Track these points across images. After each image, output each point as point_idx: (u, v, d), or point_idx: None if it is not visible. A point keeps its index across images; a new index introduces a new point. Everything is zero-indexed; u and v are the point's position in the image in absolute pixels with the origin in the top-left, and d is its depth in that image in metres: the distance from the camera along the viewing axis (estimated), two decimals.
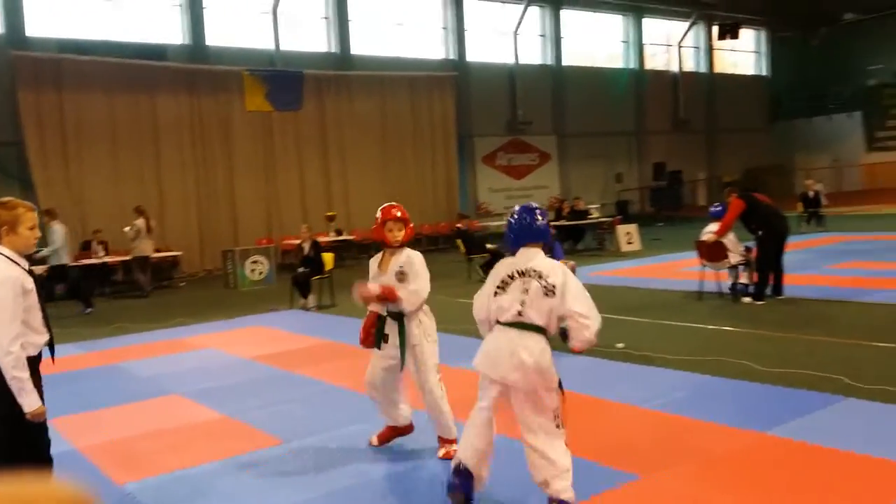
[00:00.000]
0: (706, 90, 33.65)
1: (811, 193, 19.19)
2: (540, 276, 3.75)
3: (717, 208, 10.19)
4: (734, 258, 9.76)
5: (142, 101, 18.70)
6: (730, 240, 9.75)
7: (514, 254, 3.94)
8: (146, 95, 18.75)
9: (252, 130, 20.34)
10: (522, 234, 3.92)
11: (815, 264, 12.56)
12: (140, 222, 15.02)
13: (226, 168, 19.92)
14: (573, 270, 7.96)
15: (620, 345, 7.49)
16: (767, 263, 9.57)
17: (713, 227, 9.92)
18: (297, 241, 18.06)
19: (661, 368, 6.61)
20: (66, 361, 8.73)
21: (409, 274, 4.70)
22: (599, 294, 10.32)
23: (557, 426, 3.79)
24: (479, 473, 3.85)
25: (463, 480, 3.80)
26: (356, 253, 21.03)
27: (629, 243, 17.36)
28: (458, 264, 15.92)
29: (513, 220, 3.96)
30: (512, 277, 3.80)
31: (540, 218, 3.94)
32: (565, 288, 3.73)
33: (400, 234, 4.83)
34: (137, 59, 18.80)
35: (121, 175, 18.23)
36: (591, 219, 18.71)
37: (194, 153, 19.43)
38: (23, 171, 17.64)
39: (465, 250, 14.26)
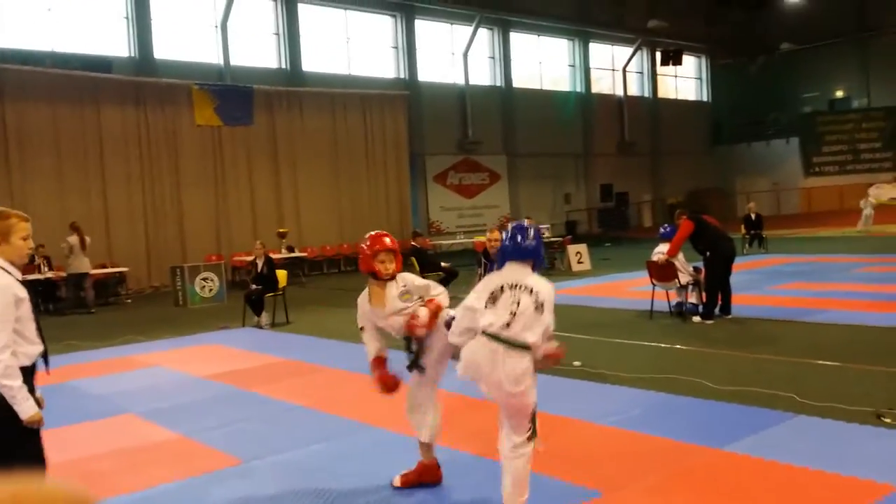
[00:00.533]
0: (650, 114, 34.55)
1: (753, 216, 19.77)
2: (531, 292, 3.84)
3: (667, 230, 10.44)
4: (683, 278, 10.00)
5: (87, 113, 18.33)
6: (679, 260, 10.00)
7: (500, 268, 4.02)
8: (91, 107, 18.39)
9: (201, 145, 20.10)
10: (514, 251, 3.98)
11: (759, 285, 12.94)
12: (73, 239, 14.71)
13: (173, 182, 19.61)
14: None
15: (577, 363, 7.59)
16: (715, 284, 9.82)
17: (663, 247, 10.15)
18: (249, 258, 17.88)
19: (617, 386, 6.72)
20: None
21: (414, 289, 4.54)
22: (555, 312, 10.35)
23: (529, 439, 3.92)
24: None
25: None
26: (307, 270, 20.86)
27: (580, 263, 17.62)
28: None
29: (506, 236, 4.03)
30: (502, 290, 3.87)
31: (531, 237, 3.99)
32: (549, 305, 3.87)
33: (392, 266, 4.54)
34: (82, 71, 18.42)
35: (65, 188, 17.80)
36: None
37: (141, 166, 19.09)
38: None
39: (419, 268, 14.27)
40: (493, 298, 3.87)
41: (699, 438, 5.10)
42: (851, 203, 32.25)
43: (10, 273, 3.52)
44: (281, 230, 18.92)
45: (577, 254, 17.77)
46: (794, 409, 5.67)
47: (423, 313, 4.38)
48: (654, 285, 10.37)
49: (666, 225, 10.76)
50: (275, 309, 11.87)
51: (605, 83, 33.22)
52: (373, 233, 4.69)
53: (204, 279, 15.38)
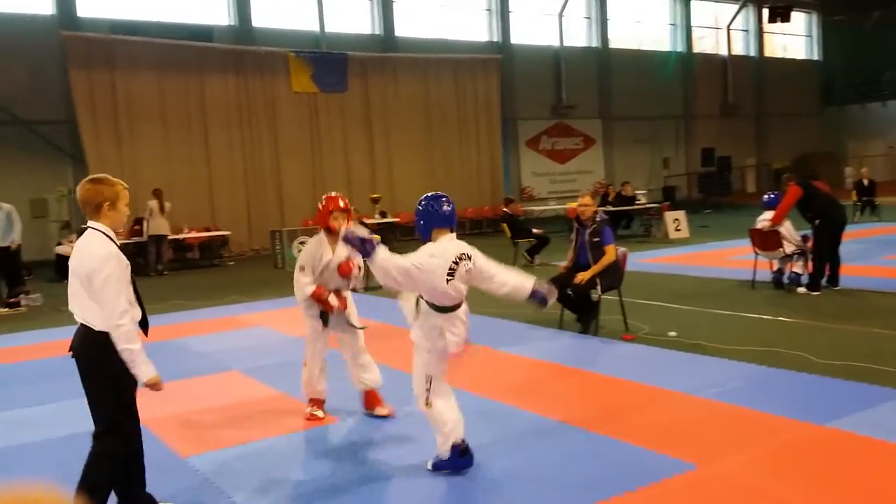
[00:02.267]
0: (756, 74, 32.99)
1: (865, 182, 18.73)
2: (469, 259, 4.21)
3: (772, 197, 10.00)
4: (789, 247, 9.58)
5: (191, 81, 18.98)
6: (786, 228, 9.57)
7: (428, 239, 4.19)
8: (195, 76, 19.03)
9: (298, 112, 20.52)
10: (437, 219, 4.20)
11: (871, 255, 12.28)
12: (153, 203, 15.46)
13: (272, 149, 20.14)
14: (624, 257, 7.93)
15: (673, 333, 7.43)
16: (824, 253, 9.38)
17: (767, 215, 9.74)
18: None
19: (715, 358, 6.54)
20: (48, 347, 8.87)
21: None
22: (648, 281, 10.24)
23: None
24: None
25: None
26: (399, 235, 21.11)
27: (677, 230, 17.15)
28: (501, 249, 15.90)
29: (422, 208, 4.22)
30: (457, 263, 4.13)
31: (446, 205, 4.22)
32: (487, 267, 4.34)
33: (343, 223, 5.26)
34: (186, 41, 19.05)
35: (171, 154, 18.56)
36: (638, 204, 18.50)
37: (242, 134, 19.68)
38: (76, 148, 18.07)
39: (510, 235, 14.23)
40: (452, 273, 4.11)
41: (801, 414, 4.92)
42: None
43: (113, 241, 3.62)
44: (374, 196, 19.17)
45: (675, 221, 17.29)
46: None
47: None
48: (756, 254, 9.98)
49: (771, 192, 10.30)
50: (368, 273, 12.07)
51: (707, 42, 31.89)
52: (330, 194, 5.46)
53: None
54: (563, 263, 8.17)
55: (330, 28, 22.01)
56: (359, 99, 21.51)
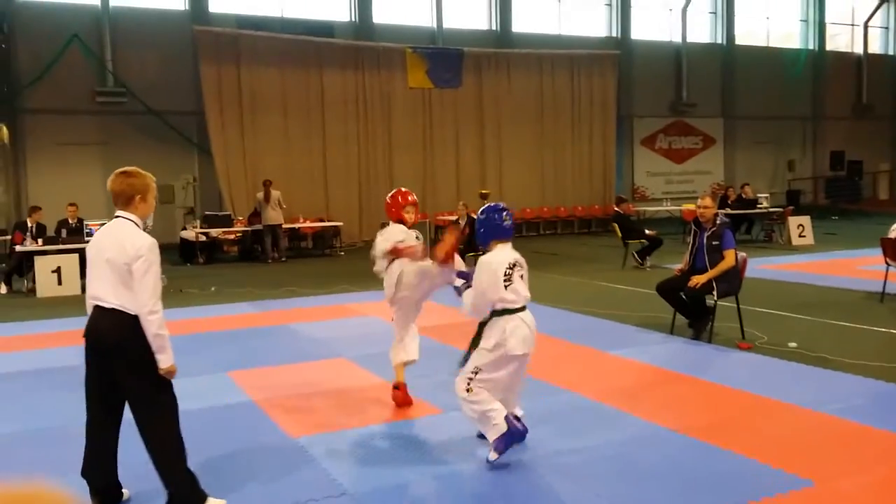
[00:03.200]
0: (894, 74, 30.89)
1: None
2: (522, 266, 4.60)
3: None
4: None
5: (311, 76, 19.55)
6: None
7: (486, 250, 4.60)
8: (315, 71, 19.59)
9: (412, 107, 20.79)
10: (495, 231, 4.62)
11: None
12: (259, 195, 16.01)
13: (385, 143, 20.50)
14: (744, 263, 7.60)
15: (793, 344, 7.06)
16: None
17: None
18: (452, 218, 18.35)
19: (839, 372, 6.17)
20: (242, 319, 9.36)
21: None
22: (769, 289, 9.83)
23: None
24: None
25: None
26: None
27: (801, 236, 16.31)
28: (610, 249, 15.61)
29: (483, 218, 4.66)
30: (512, 268, 4.50)
31: (508, 219, 4.66)
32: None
33: (414, 217, 5.72)
34: (308, 36, 19.65)
35: (291, 146, 19.19)
36: (759, 208, 17.72)
37: (357, 127, 20.13)
38: (202, 139, 18.99)
39: (621, 235, 13.92)
40: (508, 278, 4.47)
41: None
42: None
43: (144, 231, 3.77)
44: (483, 191, 19.17)
45: (799, 226, 16.45)
46: None
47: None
48: (888, 265, 9.36)
49: None
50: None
51: (841, 39, 30.13)
52: (400, 189, 5.82)
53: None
54: (678, 266, 7.92)
55: (447, 24, 22.19)
56: (472, 95, 21.58)
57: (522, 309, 4.52)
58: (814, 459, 4.32)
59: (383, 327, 8.60)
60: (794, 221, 16.53)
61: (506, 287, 4.44)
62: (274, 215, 16.20)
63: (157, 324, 3.62)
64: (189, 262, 16.02)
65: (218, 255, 17.12)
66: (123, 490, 3.96)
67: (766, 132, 27.77)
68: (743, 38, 27.47)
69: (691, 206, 8.41)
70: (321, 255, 17.33)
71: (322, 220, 18.47)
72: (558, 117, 22.73)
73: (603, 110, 23.41)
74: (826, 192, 27.45)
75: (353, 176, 20.12)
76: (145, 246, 3.62)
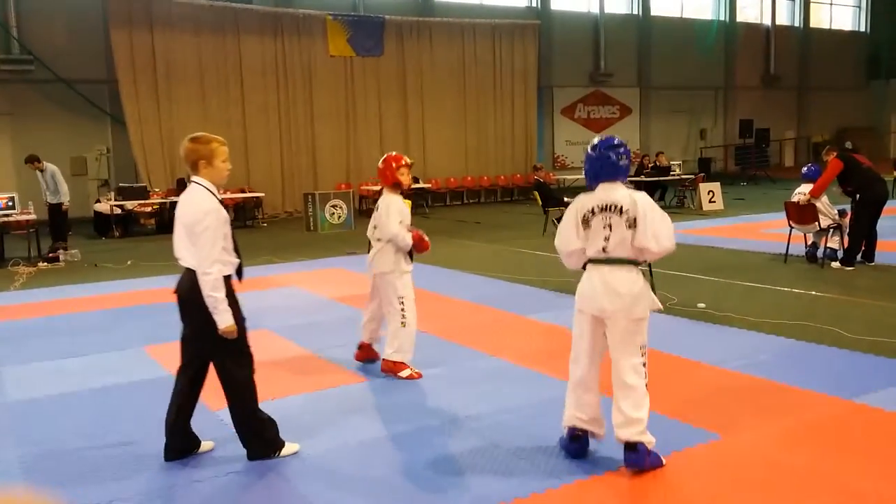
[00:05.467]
0: (800, 45, 32.14)
1: None
2: (621, 211, 3.76)
3: (811, 169, 9.81)
4: (825, 221, 9.43)
5: (228, 43, 19.03)
6: (822, 202, 9.41)
7: (592, 189, 3.91)
8: (232, 38, 19.08)
9: (334, 76, 20.50)
10: (603, 170, 3.87)
11: None
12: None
13: (307, 113, 20.19)
14: None
15: (702, 305, 7.39)
16: (862, 228, 9.21)
17: (805, 188, 9.58)
18: (376, 188, 18.23)
19: (744, 330, 6.50)
20: (160, 293, 9.15)
21: None
22: (680, 253, 10.12)
23: (644, 364, 3.88)
24: (594, 430, 4.01)
25: (581, 445, 3.99)
26: (431, 201, 21.16)
27: (711, 202, 16.94)
28: (532, 217, 15.88)
29: (593, 154, 3.89)
30: (593, 213, 3.82)
31: (623, 157, 3.87)
32: (645, 220, 3.74)
33: (409, 179, 5.71)
34: (224, 1, 19.08)
35: (208, 116, 18.67)
36: (672, 175, 18.30)
37: (278, 97, 19.74)
38: (115, 108, 18.29)
39: (541, 202, 14.17)
40: (585, 221, 3.83)
41: (829, 388, 4.90)
42: None
43: (214, 195, 3.92)
44: (407, 161, 19.16)
45: (710, 192, 17.07)
46: None
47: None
48: (791, 228, 9.85)
49: (810, 164, 10.11)
50: None
51: (751, 12, 31.08)
52: (390, 153, 5.72)
53: (333, 206, 15.91)
54: None
55: None
56: (394, 63, 21.41)
57: (603, 262, 3.81)
58: (720, 414, 4.56)
59: (307, 298, 8.59)
60: (704, 188, 17.13)
61: (577, 233, 3.86)
62: None
63: (211, 285, 3.78)
64: (104, 236, 15.54)
65: (134, 228, 16.63)
66: (204, 442, 4.21)
67: (680, 102, 28.54)
68: (658, 9, 28.03)
69: None
70: (243, 227, 17.03)
71: (243, 192, 18.13)
72: (480, 87, 22.80)
73: (524, 80, 23.59)
74: (736, 160, 28.48)
75: (275, 146, 19.77)
76: (202, 210, 3.81)
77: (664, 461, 3.86)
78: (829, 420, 4.42)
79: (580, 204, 3.89)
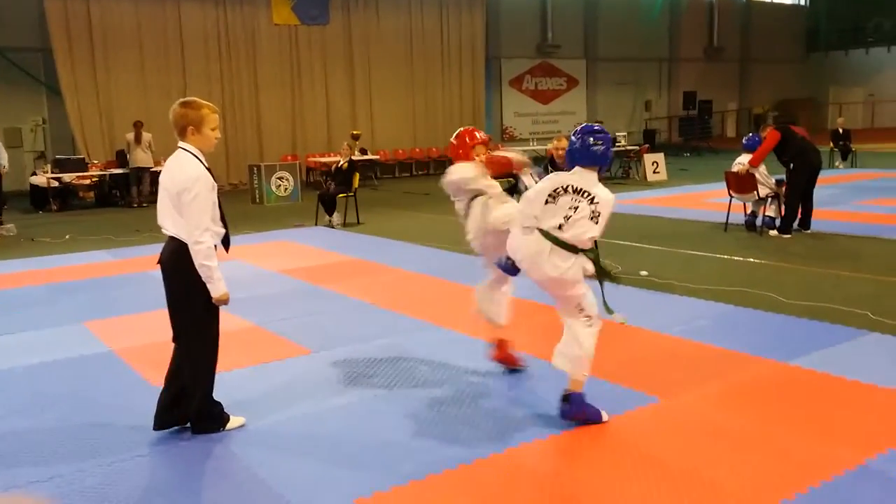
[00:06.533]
0: (742, 18, 32.68)
1: (840, 130, 18.96)
2: (592, 200, 3.89)
3: (752, 138, 10.02)
4: (763, 191, 9.66)
5: (168, 9, 18.48)
6: (760, 172, 9.64)
7: (569, 170, 4.00)
8: (172, 4, 18.53)
9: (278, 45, 20.13)
10: (581, 155, 3.96)
11: (844, 199, 12.45)
12: (129, 135, 15.34)
13: (251, 82, 19.81)
14: None
15: (644, 272, 7.53)
16: (797, 196, 9.48)
17: (745, 158, 9.79)
18: (324, 159, 18.09)
19: (685, 297, 6.66)
20: (99, 267, 8.96)
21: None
22: (624, 222, 10.30)
23: (587, 316, 4.07)
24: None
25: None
26: (379, 173, 21.03)
27: (655, 172, 17.21)
28: None
29: (574, 140, 4.01)
30: (566, 191, 3.92)
31: (600, 143, 3.96)
32: (602, 220, 3.90)
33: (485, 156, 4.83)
34: None
35: (147, 85, 18.20)
36: (618, 146, 18.50)
37: (220, 66, 19.32)
38: (51, 77, 17.66)
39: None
40: (554, 195, 3.93)
41: (765, 351, 5.05)
42: None
43: (202, 162, 3.81)
44: (354, 132, 18.99)
45: (654, 163, 17.33)
46: (869, 326, 5.53)
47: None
48: (731, 197, 10.07)
49: (751, 134, 10.33)
50: (346, 209, 12.07)
51: None
52: (466, 127, 4.97)
53: (280, 178, 15.69)
54: None
55: None
56: (341, 33, 21.10)
57: (550, 237, 3.92)
58: (659, 378, 4.67)
59: (252, 271, 8.49)
60: (649, 158, 17.39)
61: (546, 201, 3.92)
62: (144, 158, 15.49)
63: (203, 254, 3.70)
64: (41, 210, 15.09)
65: (73, 201, 16.16)
66: (233, 417, 4.12)
67: (626, 73, 28.80)
68: None
69: (551, 146, 8.67)
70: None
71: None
72: (428, 58, 22.65)
73: (471, 51, 23.51)
74: (679, 131, 28.95)
75: (218, 116, 19.32)
76: (191, 177, 3.70)
77: (605, 418, 4.02)
78: (765, 382, 4.56)
79: (559, 179, 3.97)
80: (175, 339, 4.00)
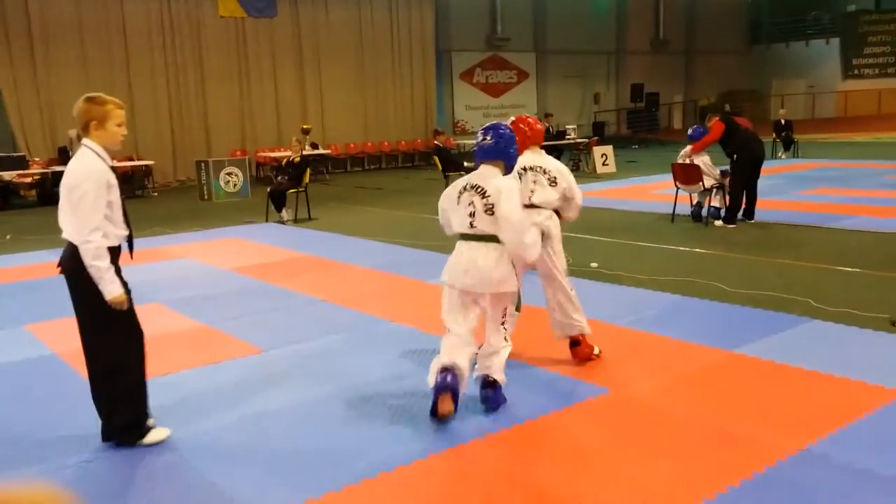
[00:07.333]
0: (687, 11, 33.23)
1: (783, 122, 19.44)
2: (483, 195, 3.97)
3: (696, 129, 10.18)
4: (708, 181, 9.86)
5: (110, 3, 18.04)
6: (705, 163, 9.83)
7: (476, 168, 4.13)
8: None
9: (225, 38, 19.80)
10: (483, 150, 4.09)
11: (786, 190, 12.76)
12: (72, 132, 14.91)
13: (197, 76, 19.45)
14: None
15: (594, 264, 7.63)
16: (740, 187, 9.69)
17: (689, 149, 9.97)
18: (273, 154, 17.88)
19: (633, 287, 6.76)
20: (42, 268, 8.71)
21: None
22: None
23: (503, 325, 4.14)
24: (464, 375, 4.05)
25: (454, 380, 3.98)
26: (330, 167, 20.88)
27: (605, 165, 17.42)
28: (433, 182, 15.89)
29: (479, 136, 4.14)
30: (465, 190, 4.05)
31: (500, 138, 4.05)
32: (499, 210, 3.91)
33: None
34: None
35: (90, 80, 17.70)
36: (568, 139, 18.68)
37: (165, 59, 18.92)
38: None
39: (441, 167, 14.21)
40: (457, 198, 4.07)
41: (711, 340, 5.16)
42: (890, 108, 31.28)
43: (103, 159, 3.68)
44: (305, 126, 18.80)
45: (603, 156, 17.54)
46: (810, 313, 5.69)
47: None
48: (678, 188, 10.25)
49: (696, 126, 10.51)
50: (297, 205, 11.96)
51: None
52: (521, 116, 4.95)
53: (228, 174, 15.46)
54: None
55: None
56: (289, 26, 20.84)
57: (470, 237, 4.07)
58: (609, 369, 4.74)
59: (200, 269, 8.35)
60: (598, 151, 17.59)
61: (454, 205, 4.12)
62: None
63: (92, 253, 3.54)
64: None
65: (14, 200, 15.69)
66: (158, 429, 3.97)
67: (575, 66, 29.05)
68: None
69: None
70: (132, 197, 16.33)
71: (131, 160, 17.36)
72: (378, 51, 22.52)
73: (422, 44, 23.46)
74: (628, 123, 29.35)
75: (164, 111, 18.97)
76: (82, 173, 3.57)
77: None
78: (712, 370, 4.66)
79: (460, 181, 4.13)
80: (84, 348, 3.81)
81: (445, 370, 3.97)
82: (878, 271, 6.96)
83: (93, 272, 3.57)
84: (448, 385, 3.94)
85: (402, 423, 4.05)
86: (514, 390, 4.30)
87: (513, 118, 4.82)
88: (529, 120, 4.86)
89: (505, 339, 4.16)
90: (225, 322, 6.11)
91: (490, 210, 3.92)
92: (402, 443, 3.80)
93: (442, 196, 4.24)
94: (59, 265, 3.75)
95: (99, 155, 3.68)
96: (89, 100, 3.72)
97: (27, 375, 5.07)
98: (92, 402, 3.87)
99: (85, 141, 3.71)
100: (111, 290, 3.62)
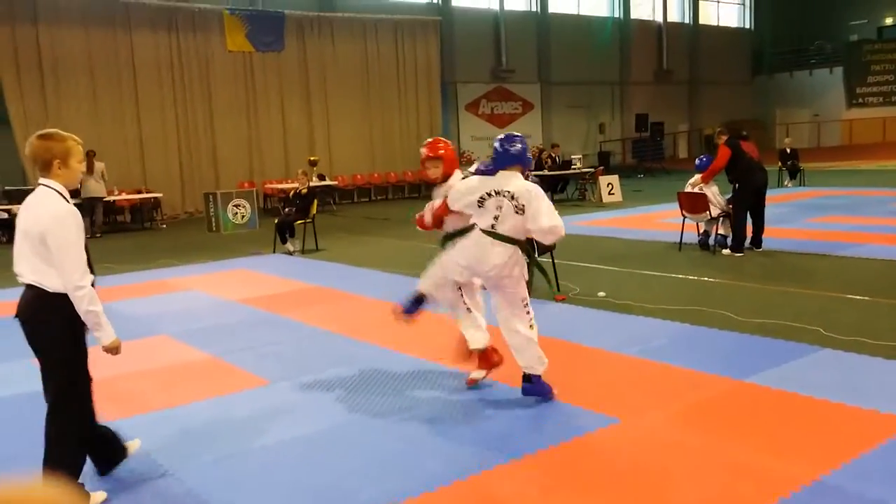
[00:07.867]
0: (690, 42, 33.54)
1: (788, 150, 19.49)
2: (512, 197, 4.44)
3: (703, 160, 10.21)
4: (715, 210, 9.86)
5: (120, 38, 18.31)
6: (712, 191, 9.84)
7: (494, 174, 4.57)
8: (124, 32, 18.37)
9: (233, 72, 20.03)
10: (503, 157, 4.57)
11: (794, 218, 12.75)
12: (82, 165, 14.98)
13: (206, 110, 19.65)
14: None
15: (602, 293, 7.61)
16: (743, 215, 9.66)
17: (699, 178, 9.98)
18: (282, 186, 17.98)
19: (641, 317, 6.73)
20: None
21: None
22: (582, 243, 10.41)
23: (527, 312, 4.66)
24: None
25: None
26: (338, 198, 20.98)
27: (611, 194, 17.45)
28: None
29: (497, 146, 4.60)
30: (490, 195, 4.49)
31: (518, 144, 4.57)
32: (530, 208, 4.41)
33: (437, 172, 5.11)
34: None
35: (100, 113, 17.95)
36: (573, 169, 18.75)
37: (174, 93, 19.12)
38: None
39: None
40: (480, 202, 4.52)
41: (721, 369, 5.13)
42: (895, 136, 31.34)
43: (67, 200, 3.48)
44: (312, 158, 18.94)
45: (609, 185, 17.58)
46: (820, 342, 5.65)
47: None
48: (684, 217, 10.26)
49: (703, 156, 10.54)
50: (304, 236, 12.00)
51: (644, 9, 32.20)
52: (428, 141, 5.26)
53: (236, 206, 15.55)
54: None
55: None
56: (296, 59, 21.09)
57: (488, 234, 4.55)
58: (620, 399, 4.71)
59: (207, 301, 8.37)
60: (604, 180, 17.64)
61: (478, 207, 4.57)
62: (97, 188, 15.25)
63: (87, 299, 3.38)
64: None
65: None
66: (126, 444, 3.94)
67: (579, 97, 29.27)
68: (556, 6, 28.65)
69: None
70: (141, 229, 16.45)
71: (140, 192, 17.49)
72: (384, 83, 22.73)
73: (428, 76, 23.67)
74: (633, 153, 29.46)
75: (172, 144, 19.14)
76: (59, 216, 3.36)
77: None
78: (722, 400, 4.63)
79: (483, 185, 4.61)
80: (45, 395, 3.57)
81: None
82: (888, 299, 6.93)
83: (89, 319, 3.43)
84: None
85: (411, 454, 4.03)
86: (524, 420, 4.27)
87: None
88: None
89: (531, 325, 4.63)
90: (232, 354, 6.11)
91: (521, 210, 4.41)
92: (411, 474, 3.77)
93: (462, 188, 4.68)
94: (16, 314, 3.51)
95: (62, 195, 3.46)
96: (47, 137, 3.49)
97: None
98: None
99: (45, 181, 3.46)
100: (107, 334, 3.52)
